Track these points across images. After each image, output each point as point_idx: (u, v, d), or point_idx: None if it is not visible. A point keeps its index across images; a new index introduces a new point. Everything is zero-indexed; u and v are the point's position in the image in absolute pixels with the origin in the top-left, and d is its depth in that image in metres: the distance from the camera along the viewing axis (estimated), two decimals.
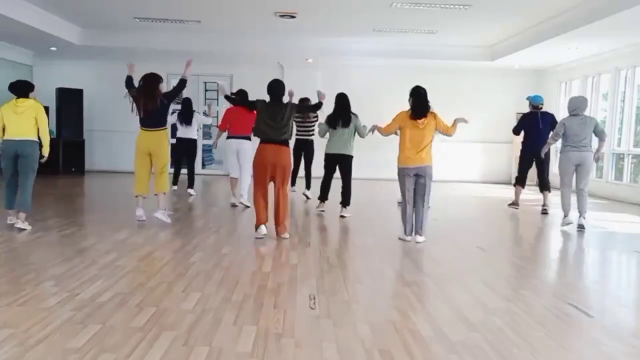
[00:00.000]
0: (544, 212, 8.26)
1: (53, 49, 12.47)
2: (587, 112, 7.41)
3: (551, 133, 7.49)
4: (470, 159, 14.24)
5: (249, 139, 7.70)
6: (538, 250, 6.18)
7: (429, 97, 6.10)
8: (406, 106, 6.13)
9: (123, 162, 13.65)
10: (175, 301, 3.67)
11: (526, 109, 14.89)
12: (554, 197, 8.21)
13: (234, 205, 7.93)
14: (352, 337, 3.13)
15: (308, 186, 9.17)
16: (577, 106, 7.04)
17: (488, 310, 3.71)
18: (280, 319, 3.37)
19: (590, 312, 3.77)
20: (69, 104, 13.06)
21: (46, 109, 13.34)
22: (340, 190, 7.45)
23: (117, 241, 5.53)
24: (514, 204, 8.63)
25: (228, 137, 7.98)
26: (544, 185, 8.46)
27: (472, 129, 14.46)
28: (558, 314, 3.73)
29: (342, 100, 7.47)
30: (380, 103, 13.93)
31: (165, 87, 14.94)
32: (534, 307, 3.86)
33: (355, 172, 7.54)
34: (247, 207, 7.66)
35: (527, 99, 8.75)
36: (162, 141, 6.33)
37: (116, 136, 13.80)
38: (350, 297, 3.93)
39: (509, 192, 12.06)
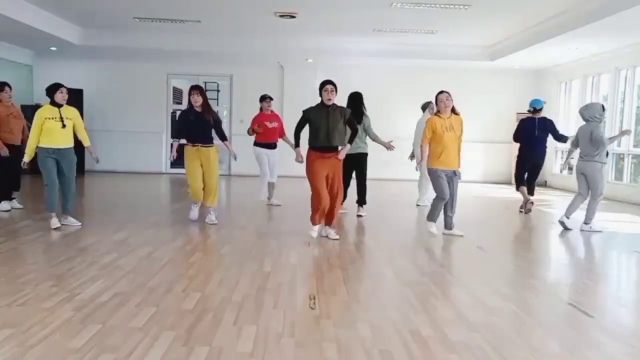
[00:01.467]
0: (530, 209, 8.32)
1: (53, 49, 12.48)
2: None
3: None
4: (470, 159, 14.22)
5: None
6: (538, 250, 6.17)
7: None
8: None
9: (123, 162, 13.71)
10: (175, 301, 3.68)
11: (524, 108, 14.94)
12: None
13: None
14: (352, 337, 3.13)
15: None
16: (582, 113, 6.93)
17: (488, 310, 3.71)
18: (280, 319, 3.37)
19: (590, 312, 3.77)
20: (69, 104, 13.02)
21: None
22: (356, 190, 7.63)
23: (117, 241, 5.53)
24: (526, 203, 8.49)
25: (256, 144, 8.28)
26: (531, 190, 8.45)
27: (472, 129, 14.56)
28: (558, 314, 3.74)
29: (356, 98, 7.59)
30: (380, 103, 13.95)
31: (166, 87, 14.90)
32: (534, 307, 3.86)
33: None
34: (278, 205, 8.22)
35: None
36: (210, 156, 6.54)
37: (116, 136, 13.82)
38: (350, 297, 3.93)
39: (509, 192, 12.08)
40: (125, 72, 14.04)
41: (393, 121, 13.10)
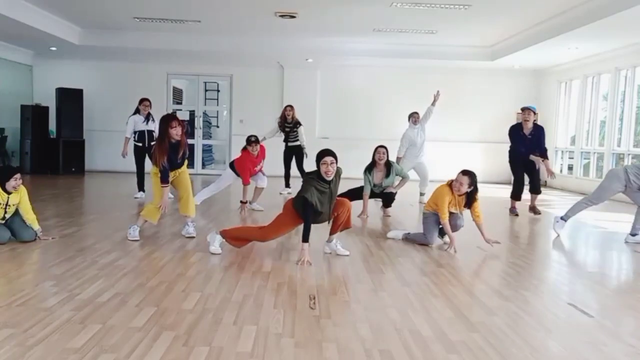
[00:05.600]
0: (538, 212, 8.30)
1: (53, 49, 12.49)
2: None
3: None
4: (470, 159, 14.23)
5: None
6: (538, 250, 6.17)
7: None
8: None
9: (123, 162, 13.67)
10: (175, 301, 3.68)
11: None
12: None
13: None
14: (352, 337, 3.13)
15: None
16: None
17: (488, 310, 3.71)
18: (280, 319, 3.37)
19: (590, 312, 3.77)
20: (69, 104, 13.07)
21: (46, 109, 13.44)
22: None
23: (117, 241, 5.53)
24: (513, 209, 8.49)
25: (232, 168, 7.98)
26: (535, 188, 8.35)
27: (472, 129, 14.61)
28: (558, 314, 3.73)
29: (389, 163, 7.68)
30: (380, 103, 13.99)
31: (166, 87, 14.91)
32: (534, 307, 3.86)
33: (348, 172, 7.60)
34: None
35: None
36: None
37: (116, 136, 13.72)
38: (350, 297, 3.93)
39: (509, 192, 12.07)
40: (125, 72, 14.05)
41: (393, 121, 13.12)
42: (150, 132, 8.93)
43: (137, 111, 8.96)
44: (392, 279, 4.53)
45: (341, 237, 5.45)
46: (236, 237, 5.16)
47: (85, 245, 5.36)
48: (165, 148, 5.50)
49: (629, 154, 10.81)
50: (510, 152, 8.37)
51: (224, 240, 5.17)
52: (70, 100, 13.11)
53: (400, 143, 9.15)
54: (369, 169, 7.63)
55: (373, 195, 7.78)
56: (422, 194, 9.42)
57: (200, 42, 12.03)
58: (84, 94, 13.35)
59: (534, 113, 8.13)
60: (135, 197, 9.03)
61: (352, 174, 8.61)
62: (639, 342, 3.25)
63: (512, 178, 8.75)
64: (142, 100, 8.98)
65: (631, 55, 10.60)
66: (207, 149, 15.48)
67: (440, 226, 5.81)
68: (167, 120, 5.57)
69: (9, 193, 5.24)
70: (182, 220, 6.11)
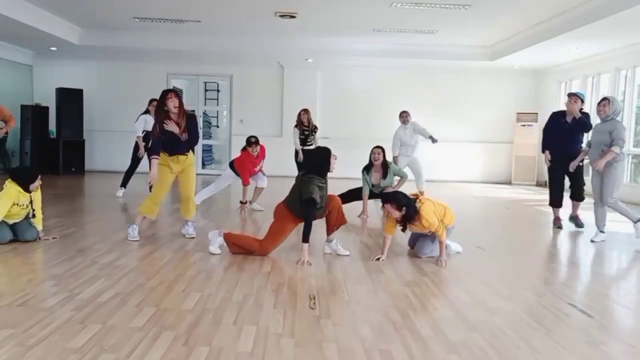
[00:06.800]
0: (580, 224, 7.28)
1: (53, 49, 12.49)
2: (590, 113, 7.29)
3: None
4: (470, 159, 14.26)
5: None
6: (538, 250, 6.17)
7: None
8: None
9: (123, 162, 13.68)
10: (175, 301, 3.68)
11: (524, 108, 14.89)
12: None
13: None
14: (352, 337, 3.13)
15: None
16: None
17: (488, 310, 3.71)
18: (280, 319, 3.37)
19: (590, 312, 3.77)
20: (69, 104, 13.07)
21: (46, 109, 13.42)
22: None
23: (117, 241, 5.53)
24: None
25: (232, 168, 7.95)
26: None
27: (472, 129, 14.61)
28: (558, 314, 3.73)
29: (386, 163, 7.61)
30: (379, 103, 13.99)
31: (166, 87, 14.97)
32: (534, 307, 3.86)
33: (348, 172, 7.59)
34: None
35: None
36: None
37: (116, 136, 13.81)
38: (350, 297, 3.93)
39: (508, 192, 12.10)
40: (125, 72, 14.06)
41: (393, 121, 13.11)
42: None
43: (147, 111, 8.93)
44: (392, 279, 4.53)
45: (341, 237, 5.45)
46: (237, 245, 5.17)
47: (85, 245, 5.36)
48: (162, 117, 5.38)
49: (628, 154, 10.80)
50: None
51: (224, 243, 5.17)
52: (70, 100, 13.11)
53: (392, 143, 9.12)
54: (367, 169, 7.63)
55: (373, 195, 7.77)
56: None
57: (200, 42, 12.03)
58: (84, 94, 13.35)
59: (582, 101, 7.03)
60: (118, 196, 9.07)
61: (351, 173, 8.63)
62: (639, 342, 3.25)
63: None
64: (151, 101, 8.90)
65: (631, 55, 10.60)
66: (207, 149, 15.48)
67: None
68: (164, 92, 5.51)
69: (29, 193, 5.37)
70: (182, 220, 6.11)
